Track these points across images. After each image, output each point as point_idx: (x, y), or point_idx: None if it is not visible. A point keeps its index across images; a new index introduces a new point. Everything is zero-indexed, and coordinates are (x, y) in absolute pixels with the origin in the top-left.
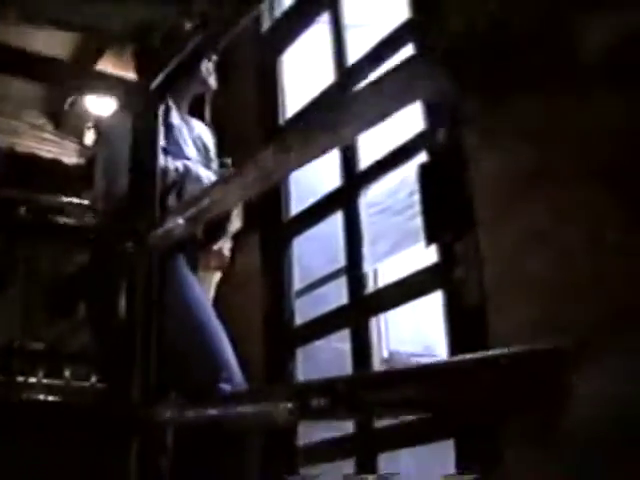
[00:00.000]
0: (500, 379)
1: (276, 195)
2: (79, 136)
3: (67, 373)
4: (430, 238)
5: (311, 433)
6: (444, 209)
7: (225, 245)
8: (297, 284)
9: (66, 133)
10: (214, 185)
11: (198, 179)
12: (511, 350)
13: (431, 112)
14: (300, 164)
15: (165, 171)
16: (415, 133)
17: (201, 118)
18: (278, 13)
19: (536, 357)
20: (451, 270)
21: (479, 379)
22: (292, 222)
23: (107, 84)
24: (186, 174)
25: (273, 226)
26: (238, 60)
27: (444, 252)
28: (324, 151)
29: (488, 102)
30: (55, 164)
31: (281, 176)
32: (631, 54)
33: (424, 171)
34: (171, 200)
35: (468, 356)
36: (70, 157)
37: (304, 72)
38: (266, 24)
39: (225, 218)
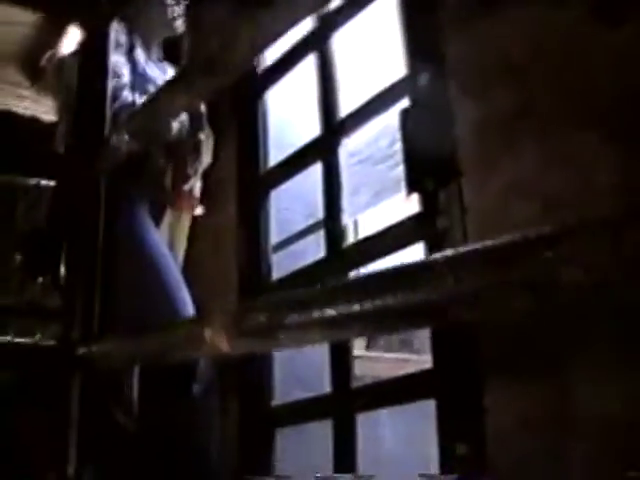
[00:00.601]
0: None
1: (253, 146)
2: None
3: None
4: (411, 187)
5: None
6: (427, 157)
7: (196, 185)
8: (274, 238)
9: (44, 90)
10: (159, 91)
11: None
12: None
13: (414, 55)
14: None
15: (126, 105)
16: (397, 78)
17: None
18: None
19: None
20: (433, 220)
21: None
22: (270, 174)
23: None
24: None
25: (250, 178)
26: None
27: (426, 202)
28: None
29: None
30: (33, 122)
31: (229, 78)
32: None
33: (406, 117)
34: None
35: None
36: (48, 114)
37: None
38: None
39: (195, 155)
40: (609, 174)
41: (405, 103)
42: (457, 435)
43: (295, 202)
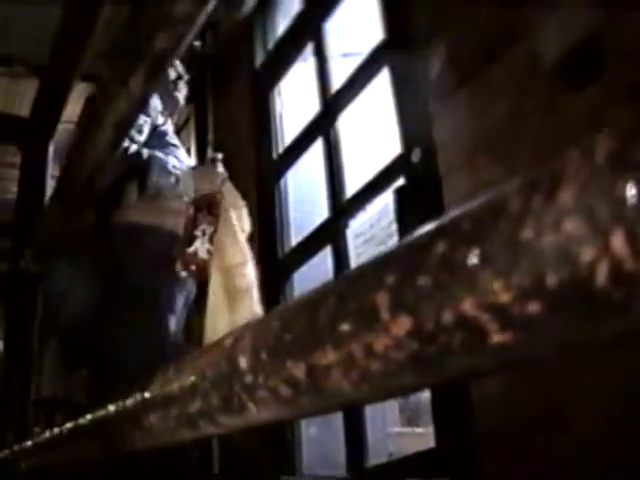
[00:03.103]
0: None
1: (273, 229)
2: None
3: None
4: None
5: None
6: None
7: (202, 247)
8: None
9: None
10: None
11: (164, 168)
12: None
13: (406, 132)
14: None
15: (126, 156)
16: (392, 158)
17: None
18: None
19: None
20: None
21: None
22: (288, 257)
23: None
24: (150, 161)
25: (270, 263)
26: (234, 95)
27: None
28: None
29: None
30: None
31: None
32: None
33: (400, 196)
34: (131, 190)
35: None
36: None
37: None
38: (259, 58)
39: (205, 214)
40: None
41: (400, 181)
42: None
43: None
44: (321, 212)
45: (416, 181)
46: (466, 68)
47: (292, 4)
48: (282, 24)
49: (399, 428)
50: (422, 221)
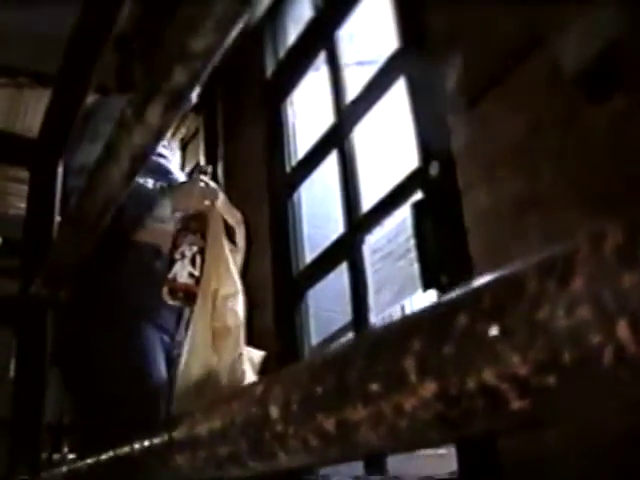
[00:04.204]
0: None
1: (287, 246)
2: None
3: None
4: (427, 283)
5: None
6: (439, 249)
7: (182, 271)
8: (316, 339)
9: None
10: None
11: (138, 196)
12: None
13: (424, 144)
14: None
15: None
16: (410, 171)
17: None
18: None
19: None
20: None
21: None
22: (303, 275)
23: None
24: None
25: (283, 281)
26: (244, 105)
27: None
28: None
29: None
30: None
31: None
32: None
33: (417, 210)
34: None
35: None
36: None
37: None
38: (270, 67)
39: (184, 234)
40: None
41: (418, 195)
42: None
43: (334, 302)
44: (336, 227)
45: (434, 195)
46: (484, 78)
47: (303, 11)
48: (293, 32)
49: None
50: (440, 236)
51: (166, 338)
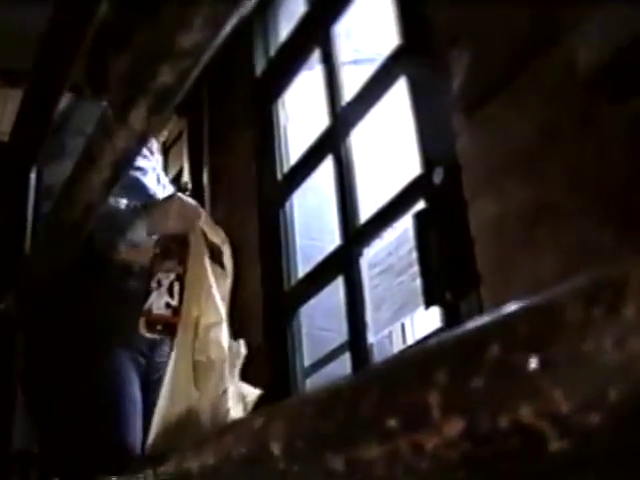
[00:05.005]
0: None
1: (276, 260)
2: None
3: None
4: (430, 299)
5: None
6: (443, 263)
7: (158, 301)
8: (309, 360)
9: None
10: None
11: (109, 219)
12: None
13: (427, 150)
14: None
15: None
16: (411, 178)
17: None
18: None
19: None
20: None
21: None
22: (295, 290)
23: None
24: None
25: (274, 296)
26: (232, 107)
27: (447, 315)
28: None
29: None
30: None
31: None
32: None
33: (420, 221)
34: (85, 230)
35: None
36: None
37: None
38: (260, 66)
39: (161, 261)
40: None
41: (420, 205)
42: None
43: (329, 320)
44: (331, 239)
45: (438, 205)
46: (493, 78)
47: (296, 5)
48: (285, 27)
49: None
50: (445, 249)
51: (141, 360)
